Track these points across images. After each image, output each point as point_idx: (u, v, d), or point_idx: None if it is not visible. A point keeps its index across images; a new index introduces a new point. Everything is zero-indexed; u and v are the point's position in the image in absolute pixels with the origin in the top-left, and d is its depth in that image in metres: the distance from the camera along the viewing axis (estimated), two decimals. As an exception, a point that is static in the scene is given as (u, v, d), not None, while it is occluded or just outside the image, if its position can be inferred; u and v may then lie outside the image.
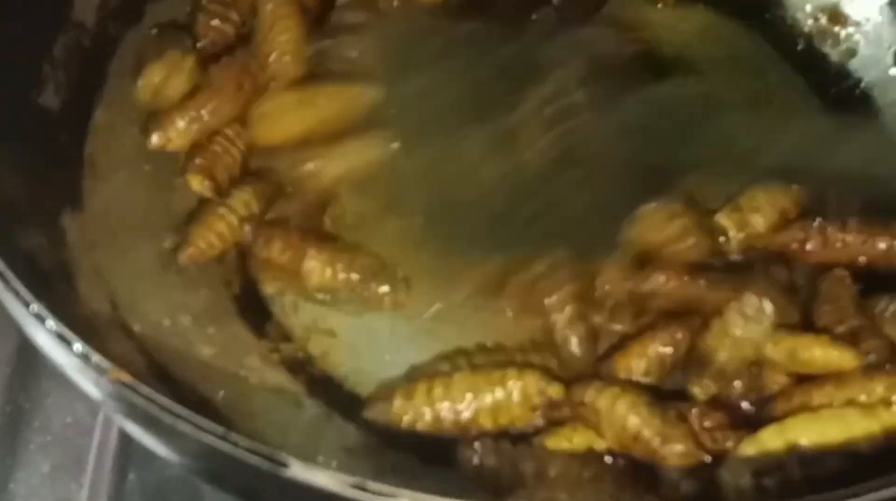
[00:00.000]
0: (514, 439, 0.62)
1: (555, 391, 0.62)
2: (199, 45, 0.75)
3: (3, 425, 0.74)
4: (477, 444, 0.60)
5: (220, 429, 0.48)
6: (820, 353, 0.63)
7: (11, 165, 0.64)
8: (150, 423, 0.50)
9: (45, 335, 0.52)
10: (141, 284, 0.68)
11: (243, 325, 0.69)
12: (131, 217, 0.71)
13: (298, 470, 0.47)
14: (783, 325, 0.64)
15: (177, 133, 0.71)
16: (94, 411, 0.73)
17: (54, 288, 0.59)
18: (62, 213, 0.68)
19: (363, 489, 0.46)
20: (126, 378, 0.50)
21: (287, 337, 0.69)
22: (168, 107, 0.72)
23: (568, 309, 0.65)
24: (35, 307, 0.51)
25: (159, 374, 0.63)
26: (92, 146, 0.72)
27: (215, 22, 0.75)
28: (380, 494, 0.46)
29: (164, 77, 0.72)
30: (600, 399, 0.61)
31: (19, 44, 0.69)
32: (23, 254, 0.58)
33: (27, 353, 0.76)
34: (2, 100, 0.66)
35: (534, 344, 0.66)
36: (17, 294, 0.52)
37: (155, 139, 0.71)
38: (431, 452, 0.62)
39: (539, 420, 0.62)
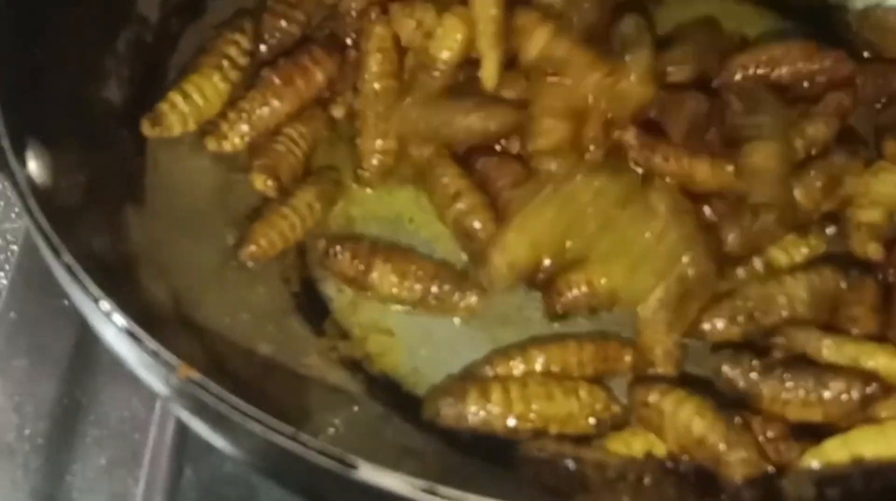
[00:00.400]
0: (575, 441, 0.61)
1: (618, 409, 0.62)
2: (262, 47, 0.74)
3: (60, 418, 0.74)
4: (540, 445, 0.60)
5: (290, 429, 0.48)
6: (884, 362, 0.62)
7: (76, 160, 0.64)
8: (218, 421, 0.50)
9: (114, 331, 0.52)
10: (202, 280, 0.68)
11: (302, 323, 0.69)
12: (193, 213, 0.71)
13: (368, 473, 0.47)
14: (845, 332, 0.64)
15: (231, 134, 0.72)
16: (150, 406, 0.73)
17: (119, 283, 0.58)
18: (125, 208, 0.68)
19: (433, 493, 0.46)
20: (195, 375, 0.50)
21: (345, 335, 0.69)
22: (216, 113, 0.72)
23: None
24: (105, 304, 0.51)
25: (220, 370, 0.62)
26: (154, 142, 0.71)
27: (282, 22, 0.75)
28: (450, 498, 0.46)
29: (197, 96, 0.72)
30: (665, 401, 0.60)
31: (84, 38, 0.70)
32: (88, 249, 0.58)
33: (84, 347, 0.76)
34: (66, 95, 0.66)
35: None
36: (85, 289, 0.52)
37: (209, 144, 0.71)
38: (491, 454, 0.62)
39: (593, 429, 0.62)
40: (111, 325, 0.51)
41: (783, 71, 0.73)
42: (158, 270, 0.66)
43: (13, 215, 0.83)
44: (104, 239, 0.64)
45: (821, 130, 0.71)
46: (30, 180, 0.56)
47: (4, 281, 0.80)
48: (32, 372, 0.75)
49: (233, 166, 0.73)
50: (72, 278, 0.52)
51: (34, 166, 0.58)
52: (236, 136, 0.72)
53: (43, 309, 0.77)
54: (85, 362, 0.76)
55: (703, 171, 0.68)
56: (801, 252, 0.68)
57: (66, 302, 0.77)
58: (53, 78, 0.65)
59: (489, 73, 0.71)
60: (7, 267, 0.81)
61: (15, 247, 0.82)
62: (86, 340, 0.76)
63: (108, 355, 0.73)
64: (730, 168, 0.68)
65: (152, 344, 0.50)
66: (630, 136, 0.69)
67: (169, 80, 0.74)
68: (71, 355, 0.76)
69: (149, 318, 0.53)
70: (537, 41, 0.69)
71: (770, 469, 0.60)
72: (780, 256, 0.67)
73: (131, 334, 0.51)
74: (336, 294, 0.70)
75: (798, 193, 0.68)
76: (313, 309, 0.70)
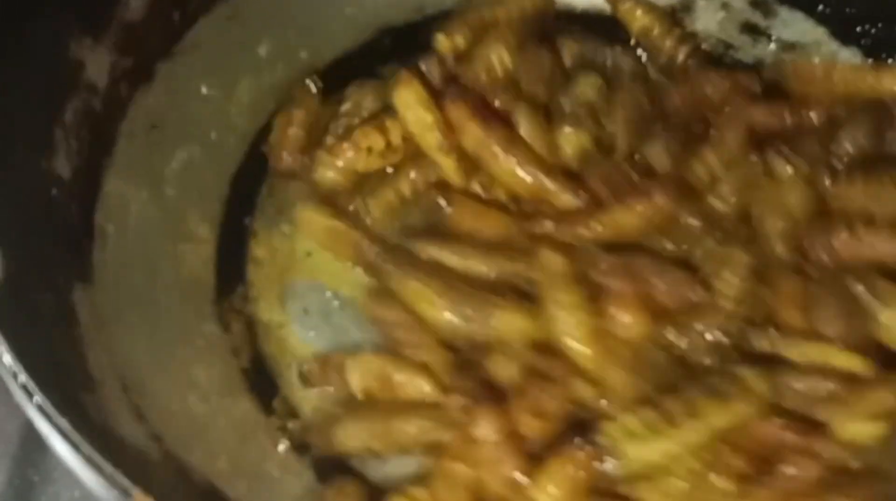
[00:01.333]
0: None
1: None
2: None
3: (12, 499, 0.74)
4: None
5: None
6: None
7: (21, 238, 0.63)
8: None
9: (72, 455, 0.51)
10: (151, 360, 0.67)
11: (252, 401, 0.69)
12: (140, 289, 0.70)
13: None
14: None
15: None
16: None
17: (69, 377, 0.58)
18: (73, 288, 0.67)
19: None
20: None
21: (294, 413, 0.69)
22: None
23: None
24: (63, 422, 0.51)
25: (171, 460, 0.62)
26: (102, 215, 0.71)
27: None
28: None
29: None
30: None
31: (30, 109, 0.68)
32: (36, 340, 0.57)
33: (34, 427, 0.75)
34: (12, 168, 0.65)
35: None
36: (40, 409, 0.52)
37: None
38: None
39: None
40: (65, 446, 0.51)
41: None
42: (107, 352, 0.66)
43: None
44: (52, 321, 0.63)
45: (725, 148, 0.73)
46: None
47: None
48: (-16, 452, 0.74)
49: (180, 236, 0.73)
50: (28, 398, 0.52)
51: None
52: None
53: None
54: (36, 441, 0.74)
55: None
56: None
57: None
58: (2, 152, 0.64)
59: (451, 174, 0.72)
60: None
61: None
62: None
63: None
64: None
65: (108, 468, 0.50)
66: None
67: (117, 148, 0.73)
68: (22, 434, 0.75)
69: (105, 432, 0.53)
70: (469, 138, 0.71)
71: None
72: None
73: (90, 460, 0.50)
74: (285, 370, 0.70)
75: (714, 201, 0.71)
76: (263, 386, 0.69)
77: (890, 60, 0.80)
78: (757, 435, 0.63)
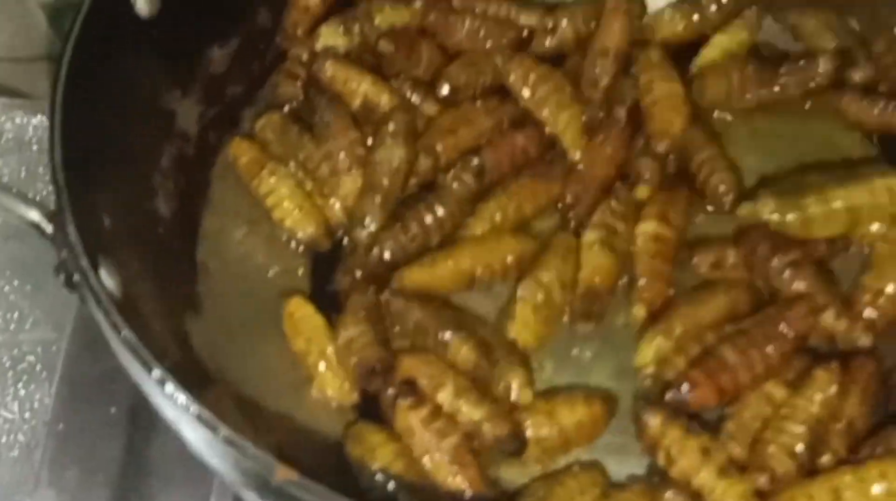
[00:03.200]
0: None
1: None
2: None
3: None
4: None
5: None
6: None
7: (138, 273, 0.67)
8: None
9: (210, 440, 0.54)
10: (261, 383, 0.70)
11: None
12: (246, 317, 0.73)
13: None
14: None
15: None
16: (204, 509, 0.75)
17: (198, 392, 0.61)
18: (185, 317, 0.70)
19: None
20: (294, 476, 0.52)
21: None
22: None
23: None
24: (206, 414, 0.54)
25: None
26: (202, 252, 0.74)
27: None
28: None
29: None
30: None
31: (132, 157, 0.73)
32: (165, 360, 0.60)
33: (133, 453, 0.78)
34: (123, 212, 0.69)
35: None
36: (177, 403, 0.55)
37: None
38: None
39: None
40: (208, 434, 0.54)
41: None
42: (219, 374, 0.69)
43: (27, 326, 0.85)
44: (172, 347, 0.66)
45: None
46: (110, 295, 0.59)
47: (22, 391, 0.82)
48: (84, 480, 0.77)
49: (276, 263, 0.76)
50: (162, 390, 0.55)
51: (108, 282, 0.61)
52: None
53: (90, 419, 0.79)
54: (135, 467, 0.77)
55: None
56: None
57: (112, 410, 0.79)
58: (110, 197, 0.68)
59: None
60: (25, 376, 0.83)
61: (31, 358, 0.84)
62: (134, 445, 0.78)
63: (159, 458, 0.77)
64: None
65: (251, 449, 0.53)
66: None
67: (211, 190, 0.77)
68: (121, 461, 0.77)
69: (231, 423, 0.56)
70: None
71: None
72: None
73: (231, 442, 0.53)
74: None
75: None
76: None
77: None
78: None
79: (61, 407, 0.79)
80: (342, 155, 0.76)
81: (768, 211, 0.72)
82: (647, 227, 0.74)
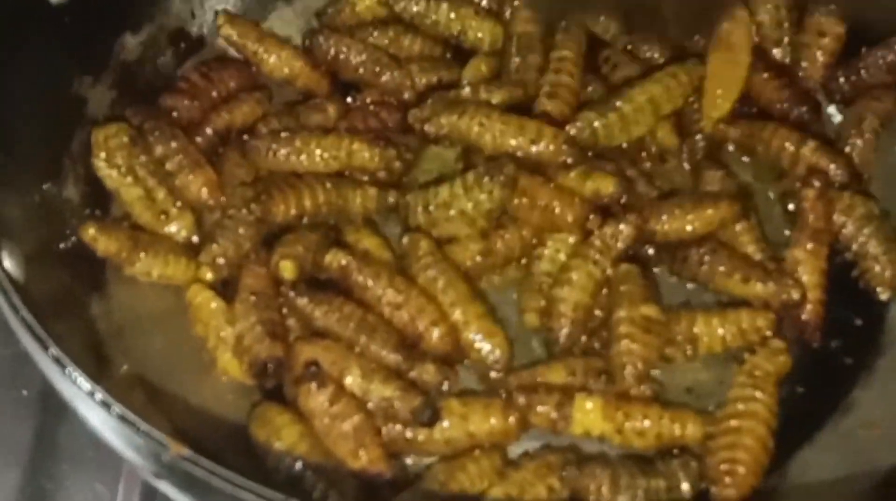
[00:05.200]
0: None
1: None
2: None
3: (26, 507, 0.76)
4: None
5: (280, 496, 0.52)
6: None
7: (43, 257, 0.68)
8: (206, 492, 0.54)
9: (104, 418, 0.55)
10: (164, 365, 0.71)
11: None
12: (151, 302, 0.74)
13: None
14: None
15: None
16: (113, 489, 0.76)
17: (95, 372, 0.62)
18: (90, 300, 0.71)
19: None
20: (185, 451, 0.54)
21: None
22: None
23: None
24: (98, 393, 0.55)
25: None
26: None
27: None
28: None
29: None
30: None
31: (41, 140, 0.73)
32: (65, 341, 0.61)
33: (44, 436, 0.79)
34: (31, 194, 0.71)
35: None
36: (74, 381, 0.56)
37: None
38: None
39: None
40: (102, 412, 0.55)
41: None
42: (124, 357, 0.70)
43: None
44: (74, 329, 0.67)
45: None
46: (10, 277, 0.60)
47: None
48: (-5, 461, 0.78)
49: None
50: (60, 370, 0.56)
51: (9, 264, 0.62)
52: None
53: (0, 401, 0.80)
54: (46, 450, 0.78)
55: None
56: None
57: (24, 393, 0.80)
58: (16, 181, 0.69)
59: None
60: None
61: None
62: (46, 429, 0.79)
63: (70, 441, 0.78)
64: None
65: (143, 425, 0.54)
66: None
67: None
68: (32, 444, 0.78)
69: (130, 403, 0.57)
70: None
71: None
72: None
73: (124, 419, 0.54)
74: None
75: None
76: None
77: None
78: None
79: (-28, 390, 0.80)
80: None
81: (591, 120, 0.76)
82: None
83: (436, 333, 0.72)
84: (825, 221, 0.76)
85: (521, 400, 0.70)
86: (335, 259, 0.73)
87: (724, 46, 0.82)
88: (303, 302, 0.72)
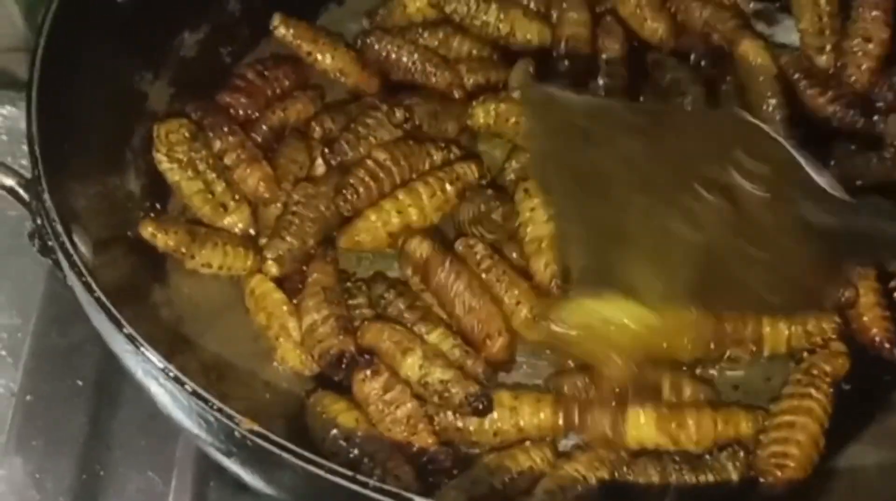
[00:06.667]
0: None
1: None
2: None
3: (79, 493, 0.78)
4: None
5: (349, 472, 0.53)
6: None
7: (109, 244, 0.70)
8: (278, 466, 0.55)
9: (176, 394, 0.57)
10: (226, 354, 0.73)
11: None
12: (211, 292, 0.76)
13: (424, 507, 0.52)
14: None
15: None
16: (166, 476, 0.78)
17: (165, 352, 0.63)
18: (152, 288, 0.74)
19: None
20: (257, 427, 0.55)
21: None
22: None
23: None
24: (172, 370, 0.57)
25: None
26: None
27: None
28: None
29: None
30: None
31: (105, 134, 0.75)
32: (137, 323, 0.62)
33: (98, 424, 0.81)
34: (96, 185, 0.73)
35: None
36: (148, 359, 0.57)
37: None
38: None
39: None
40: (175, 389, 0.56)
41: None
42: (184, 345, 0.72)
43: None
44: (139, 315, 0.68)
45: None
46: (83, 260, 0.61)
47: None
48: (50, 449, 0.79)
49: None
50: (135, 348, 0.57)
51: (82, 249, 0.63)
52: None
53: (56, 390, 0.81)
54: (100, 438, 0.80)
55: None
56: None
57: (79, 383, 0.82)
58: (83, 171, 0.71)
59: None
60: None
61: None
62: (99, 417, 0.81)
63: (123, 429, 0.80)
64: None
65: (216, 402, 0.56)
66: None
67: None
68: (86, 432, 0.80)
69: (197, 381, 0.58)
70: None
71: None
72: None
73: (197, 395, 0.56)
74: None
75: None
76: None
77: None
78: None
79: (29, 380, 0.82)
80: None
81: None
82: None
83: (500, 342, 0.73)
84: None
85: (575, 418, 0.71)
86: (419, 247, 0.75)
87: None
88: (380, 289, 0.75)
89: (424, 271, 0.75)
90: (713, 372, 0.74)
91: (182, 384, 0.56)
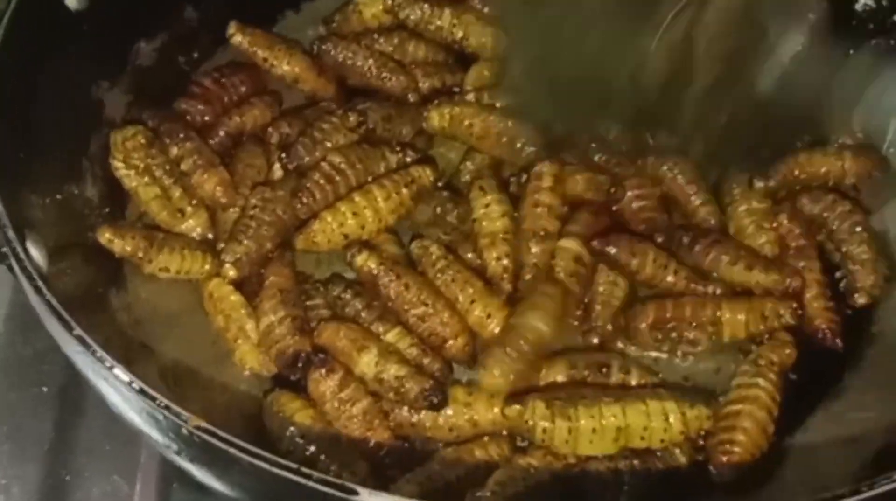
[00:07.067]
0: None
1: None
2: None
3: (46, 497, 0.79)
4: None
5: (293, 465, 0.54)
6: None
7: (64, 250, 0.71)
8: (225, 462, 0.56)
9: (126, 394, 0.58)
10: (183, 359, 0.74)
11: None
12: (169, 296, 0.77)
13: (367, 498, 0.53)
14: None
15: None
16: (131, 480, 0.78)
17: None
18: (109, 294, 0.75)
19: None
20: (204, 423, 0.56)
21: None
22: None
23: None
24: (119, 371, 0.58)
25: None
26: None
27: None
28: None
29: None
30: None
31: (62, 140, 0.77)
32: (88, 325, 0.63)
33: (63, 430, 0.81)
34: (52, 192, 0.74)
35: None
36: (98, 359, 0.59)
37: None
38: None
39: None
40: (123, 388, 0.57)
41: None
42: (142, 349, 0.73)
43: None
44: (96, 321, 0.69)
45: None
46: (35, 266, 0.62)
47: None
48: (16, 455, 0.80)
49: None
50: (84, 349, 0.59)
51: (36, 255, 0.65)
52: None
53: (21, 398, 0.82)
54: (65, 443, 0.81)
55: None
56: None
57: (44, 390, 0.83)
58: (38, 178, 0.72)
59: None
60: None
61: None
62: (64, 423, 0.82)
63: (88, 435, 0.80)
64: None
65: (162, 400, 0.57)
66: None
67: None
68: (52, 438, 0.81)
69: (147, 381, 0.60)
70: None
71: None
72: None
73: (144, 393, 0.57)
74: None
75: None
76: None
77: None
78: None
79: (-7, 387, 0.82)
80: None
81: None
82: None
83: (458, 344, 0.75)
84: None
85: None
86: (365, 263, 0.76)
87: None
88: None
89: (374, 284, 0.76)
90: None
91: (130, 383, 0.57)
